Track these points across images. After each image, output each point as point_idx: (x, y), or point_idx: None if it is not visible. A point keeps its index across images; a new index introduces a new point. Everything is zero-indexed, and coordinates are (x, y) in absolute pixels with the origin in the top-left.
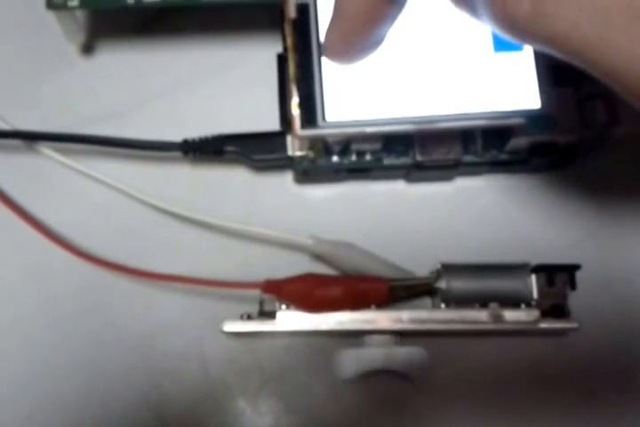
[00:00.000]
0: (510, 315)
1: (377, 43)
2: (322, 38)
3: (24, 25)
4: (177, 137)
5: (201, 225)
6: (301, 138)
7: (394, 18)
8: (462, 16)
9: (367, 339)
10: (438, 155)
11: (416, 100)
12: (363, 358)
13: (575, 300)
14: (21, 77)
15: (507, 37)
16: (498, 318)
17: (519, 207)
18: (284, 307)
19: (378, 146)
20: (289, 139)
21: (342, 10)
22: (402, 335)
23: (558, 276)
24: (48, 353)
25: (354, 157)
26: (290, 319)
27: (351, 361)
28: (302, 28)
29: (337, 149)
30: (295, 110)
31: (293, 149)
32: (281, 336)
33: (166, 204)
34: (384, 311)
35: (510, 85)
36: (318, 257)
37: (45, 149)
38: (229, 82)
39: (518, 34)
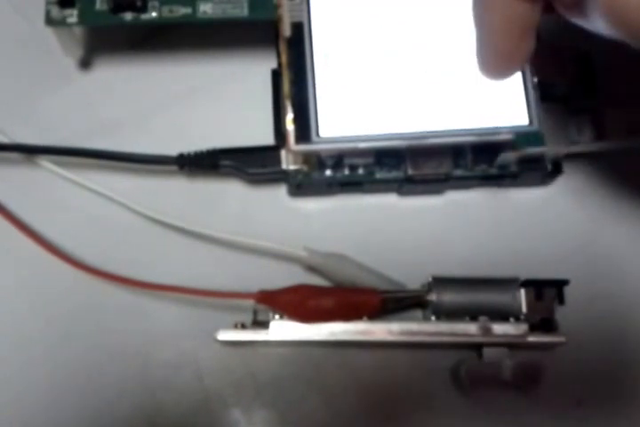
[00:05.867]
0: (499, 328)
1: (531, 47)
2: (316, 56)
3: (23, 40)
4: (173, 151)
5: (197, 237)
6: (296, 153)
7: (536, 17)
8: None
9: (486, 352)
10: (429, 169)
11: (408, 117)
12: (487, 371)
13: (563, 314)
14: (21, 92)
15: (620, 36)
16: (487, 332)
17: (508, 221)
18: (277, 317)
19: (370, 160)
20: (283, 153)
21: (486, 25)
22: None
23: (547, 290)
24: (42, 362)
25: (347, 171)
26: (283, 329)
27: (475, 374)
28: (297, 46)
29: (330, 163)
30: (290, 126)
31: (287, 162)
32: (274, 346)
33: (163, 216)
34: (376, 323)
35: (499, 102)
36: (312, 268)
37: (44, 162)
38: (225, 97)
39: (631, 29)
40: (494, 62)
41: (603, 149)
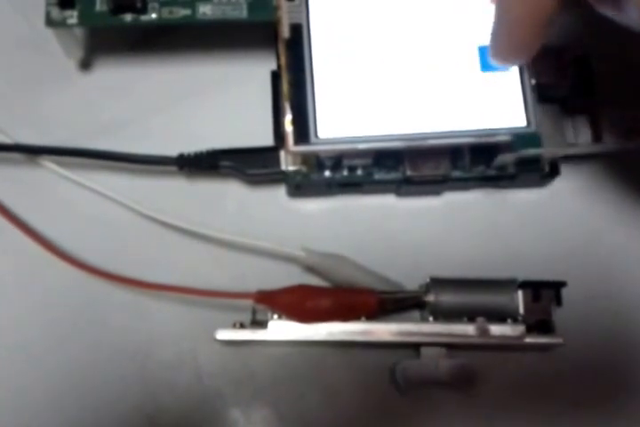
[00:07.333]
0: (496, 329)
1: (546, 39)
2: (315, 57)
3: (24, 41)
4: (173, 151)
5: (196, 237)
6: (294, 153)
7: (557, 11)
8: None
9: (423, 351)
10: (427, 170)
11: (406, 118)
12: (424, 370)
13: (560, 316)
14: (22, 93)
15: None
16: (484, 333)
17: (506, 222)
18: (275, 317)
19: (369, 161)
20: (282, 154)
21: (509, 15)
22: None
23: (544, 292)
24: (42, 362)
25: (345, 172)
26: (281, 329)
27: (412, 373)
28: (296, 48)
29: (329, 163)
30: (289, 127)
31: (286, 163)
32: (273, 345)
33: (163, 216)
34: (373, 323)
35: (497, 104)
36: (310, 269)
37: (46, 162)
38: (225, 98)
39: None
40: (508, 51)
41: (600, 151)
